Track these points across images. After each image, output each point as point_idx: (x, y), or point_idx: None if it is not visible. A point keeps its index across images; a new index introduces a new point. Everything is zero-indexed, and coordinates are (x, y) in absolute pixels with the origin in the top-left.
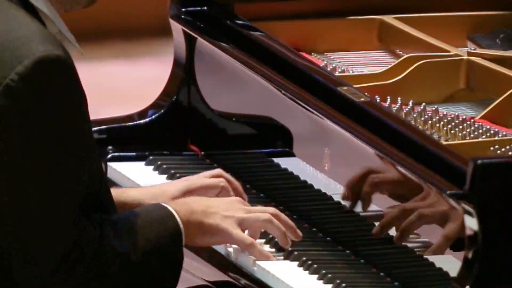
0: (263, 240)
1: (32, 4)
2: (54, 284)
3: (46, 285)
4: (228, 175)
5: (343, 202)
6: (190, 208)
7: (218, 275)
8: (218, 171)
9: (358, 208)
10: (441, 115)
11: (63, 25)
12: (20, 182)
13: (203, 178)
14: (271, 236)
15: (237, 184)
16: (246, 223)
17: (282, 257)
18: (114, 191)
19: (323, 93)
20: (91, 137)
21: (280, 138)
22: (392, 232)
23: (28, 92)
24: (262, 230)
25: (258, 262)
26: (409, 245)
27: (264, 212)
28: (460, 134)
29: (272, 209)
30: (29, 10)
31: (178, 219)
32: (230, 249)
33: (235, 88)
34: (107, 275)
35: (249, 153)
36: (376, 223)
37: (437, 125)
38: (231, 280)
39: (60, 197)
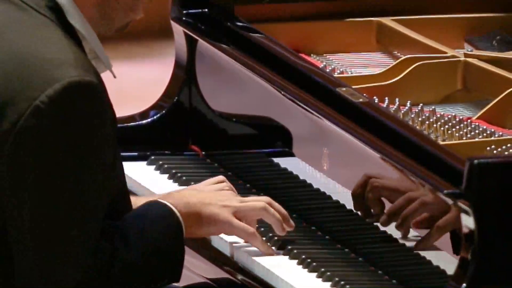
0: (263, 238)
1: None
2: None
3: None
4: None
5: (341, 202)
6: (187, 200)
7: (217, 273)
8: (221, 177)
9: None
10: (439, 115)
11: (99, 45)
12: (42, 204)
13: (209, 185)
14: (270, 234)
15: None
16: (242, 212)
17: (282, 255)
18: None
19: (322, 93)
20: (114, 162)
21: (279, 138)
22: (390, 231)
23: (56, 115)
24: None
25: (257, 260)
26: (407, 244)
27: (259, 201)
28: (457, 134)
29: (265, 198)
30: (67, 28)
31: (178, 214)
32: (230, 247)
33: (235, 89)
34: (114, 280)
35: (249, 153)
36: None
37: (435, 125)
38: (231, 277)
39: (82, 219)
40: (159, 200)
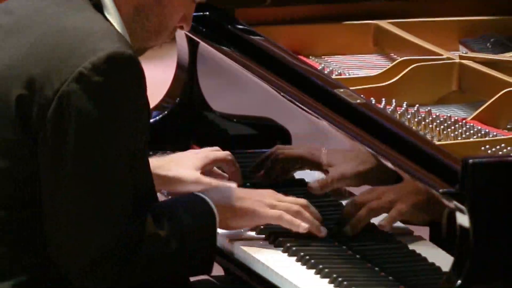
0: (263, 236)
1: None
2: (96, 273)
3: (88, 273)
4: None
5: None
6: (223, 194)
7: (218, 269)
8: (227, 153)
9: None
10: (434, 116)
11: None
12: (81, 166)
13: (213, 152)
14: (269, 232)
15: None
16: (276, 209)
17: (281, 252)
18: None
19: (321, 95)
20: (146, 139)
21: (279, 138)
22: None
23: (97, 81)
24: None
25: (257, 257)
26: (403, 241)
27: (295, 204)
28: (452, 135)
29: (303, 201)
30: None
31: (212, 205)
32: (230, 244)
33: (236, 90)
34: (147, 263)
35: (250, 152)
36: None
37: (430, 125)
38: (231, 274)
39: (118, 183)
40: (195, 192)
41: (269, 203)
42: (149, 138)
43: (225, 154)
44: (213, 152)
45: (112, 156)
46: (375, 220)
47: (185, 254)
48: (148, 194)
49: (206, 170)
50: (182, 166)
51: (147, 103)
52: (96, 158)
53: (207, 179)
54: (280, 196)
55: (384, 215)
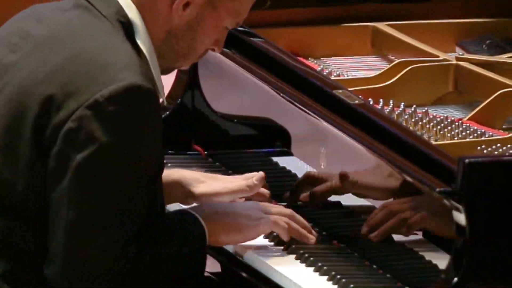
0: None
1: (138, 45)
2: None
3: None
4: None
5: (338, 199)
6: (214, 210)
7: (218, 267)
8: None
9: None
10: (431, 116)
11: (158, 73)
12: (83, 193)
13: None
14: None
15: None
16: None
17: (280, 251)
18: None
19: (319, 95)
20: (156, 170)
21: (278, 138)
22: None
23: (111, 111)
24: None
25: (257, 255)
26: (401, 240)
27: (282, 215)
28: (449, 135)
29: (288, 211)
30: (133, 45)
31: (202, 222)
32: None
33: (236, 91)
34: (139, 274)
35: (250, 152)
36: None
37: (427, 126)
38: (231, 271)
39: (120, 214)
40: (187, 209)
41: (256, 217)
42: (162, 171)
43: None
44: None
45: (113, 184)
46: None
47: (176, 274)
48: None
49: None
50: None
51: (159, 136)
52: (96, 185)
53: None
54: (266, 207)
55: None
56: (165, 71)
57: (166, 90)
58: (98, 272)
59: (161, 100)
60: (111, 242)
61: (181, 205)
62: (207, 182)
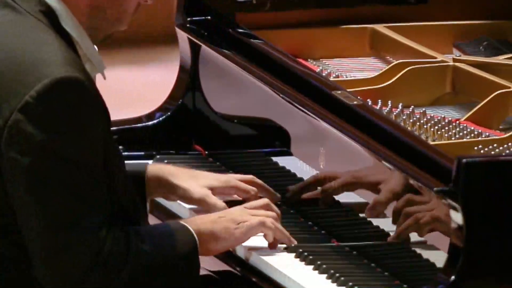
0: (262, 234)
1: (65, 30)
2: None
3: None
4: (259, 181)
5: (336, 198)
6: (200, 220)
7: (218, 265)
8: (251, 177)
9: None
10: (429, 117)
11: (91, 49)
12: (38, 193)
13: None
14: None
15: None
16: (251, 212)
17: (280, 249)
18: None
19: (319, 96)
20: (105, 156)
21: (278, 138)
22: (383, 226)
23: (43, 110)
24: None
25: (256, 254)
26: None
27: (267, 216)
28: (446, 135)
29: (272, 213)
30: (59, 32)
31: (192, 231)
32: None
33: (236, 92)
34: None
35: (250, 152)
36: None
37: (425, 126)
38: (230, 270)
39: (78, 207)
40: (174, 220)
41: (243, 219)
42: (112, 154)
43: (240, 182)
44: (230, 177)
45: (68, 176)
46: (378, 222)
47: (165, 278)
48: (128, 206)
49: (218, 192)
50: (195, 181)
51: (98, 121)
52: (52, 182)
53: (212, 200)
54: (251, 209)
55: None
56: (105, 39)
57: (168, 91)
58: (81, 265)
59: (100, 74)
60: (82, 234)
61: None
62: (185, 178)
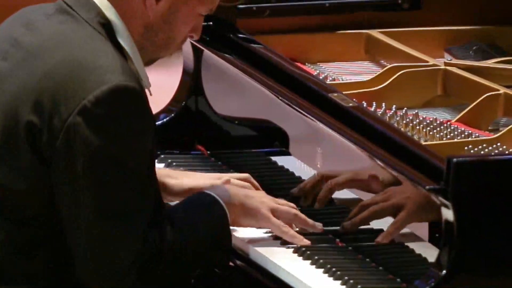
0: (265, 230)
1: (120, 43)
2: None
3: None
4: (254, 181)
5: (333, 196)
6: (232, 193)
7: None
8: (247, 175)
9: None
10: (421, 118)
11: (141, 66)
12: (93, 193)
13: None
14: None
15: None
16: (277, 213)
17: (278, 244)
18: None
19: (316, 99)
20: (151, 161)
21: (277, 139)
22: (379, 224)
23: (100, 114)
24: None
25: (255, 248)
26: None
27: (291, 207)
28: (437, 136)
29: (293, 205)
30: (114, 44)
31: (222, 203)
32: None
33: (237, 95)
34: (169, 267)
35: (250, 152)
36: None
37: (417, 127)
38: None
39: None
40: (205, 190)
41: (271, 206)
42: (155, 157)
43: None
44: (224, 174)
45: (121, 179)
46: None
47: (202, 258)
48: (159, 205)
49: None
50: (187, 177)
51: (149, 128)
52: (106, 184)
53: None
54: (275, 199)
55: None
56: (149, 62)
57: (171, 93)
58: (125, 264)
59: (146, 90)
60: (130, 234)
61: None
62: (178, 178)
